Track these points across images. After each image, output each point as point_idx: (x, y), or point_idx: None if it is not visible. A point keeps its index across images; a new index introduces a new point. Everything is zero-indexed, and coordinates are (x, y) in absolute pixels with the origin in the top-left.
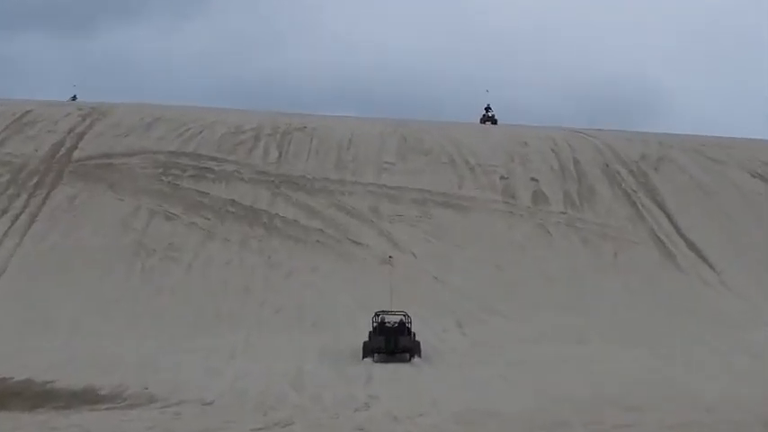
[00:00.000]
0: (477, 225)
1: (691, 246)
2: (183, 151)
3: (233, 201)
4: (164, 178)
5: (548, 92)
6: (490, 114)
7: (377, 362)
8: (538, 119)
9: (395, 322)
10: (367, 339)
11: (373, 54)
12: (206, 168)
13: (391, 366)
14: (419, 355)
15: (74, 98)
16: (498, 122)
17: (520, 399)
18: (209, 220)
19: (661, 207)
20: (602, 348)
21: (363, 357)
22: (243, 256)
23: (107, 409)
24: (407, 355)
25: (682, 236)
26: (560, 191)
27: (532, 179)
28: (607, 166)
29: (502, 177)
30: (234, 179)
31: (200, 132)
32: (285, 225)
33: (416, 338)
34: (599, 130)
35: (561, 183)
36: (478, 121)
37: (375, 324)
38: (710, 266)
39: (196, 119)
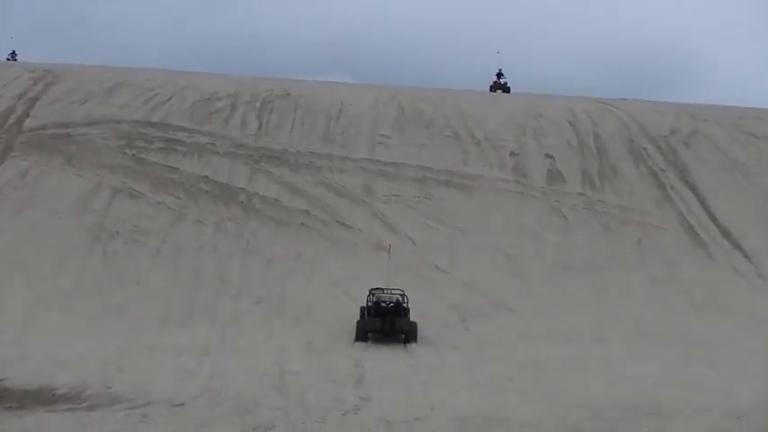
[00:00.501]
0: (483, 207)
1: (725, 233)
2: (149, 121)
3: (206, 177)
4: (128, 151)
5: (569, 57)
6: (502, 81)
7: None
8: (556, 87)
9: (391, 302)
10: (360, 319)
11: (368, 12)
12: (176, 140)
13: (386, 365)
14: (415, 340)
15: (13, 55)
16: (511, 91)
17: (530, 403)
18: (179, 199)
19: (692, 188)
20: (622, 348)
21: (356, 340)
22: (218, 240)
23: (65, 410)
24: (403, 337)
25: (714, 221)
26: (578, 169)
27: (547, 156)
28: (632, 141)
29: (512, 153)
30: (207, 153)
31: (169, 99)
32: (266, 205)
33: (413, 321)
34: (623, 99)
35: (579, 160)
36: (488, 88)
37: (370, 303)
38: (746, 256)
39: (164, 84)
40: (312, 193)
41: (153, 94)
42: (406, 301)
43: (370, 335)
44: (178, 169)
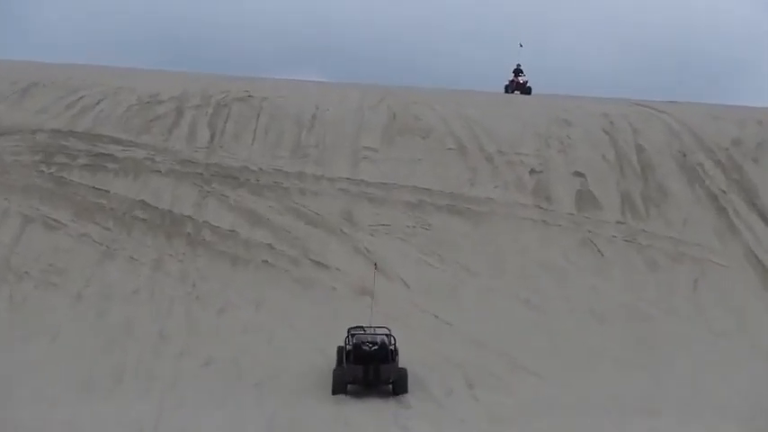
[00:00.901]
0: (496, 240)
1: None
2: (72, 130)
3: (143, 202)
4: (44, 169)
5: (604, 49)
6: (521, 80)
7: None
8: (588, 87)
9: (375, 344)
10: (336, 367)
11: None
12: (105, 155)
13: None
14: (405, 390)
15: None
16: (532, 92)
17: None
18: (108, 230)
19: (761, 215)
20: (677, 422)
21: (334, 392)
22: (156, 283)
23: None
24: (391, 388)
25: None
26: (616, 191)
27: (577, 174)
28: (684, 155)
29: (533, 171)
30: (145, 171)
31: (98, 103)
32: (218, 238)
33: (402, 367)
34: (673, 103)
35: (618, 179)
36: (502, 89)
37: (349, 346)
38: None
39: (92, 84)
40: (278, 222)
41: (77, 96)
42: (392, 342)
43: (350, 386)
44: (108, 192)
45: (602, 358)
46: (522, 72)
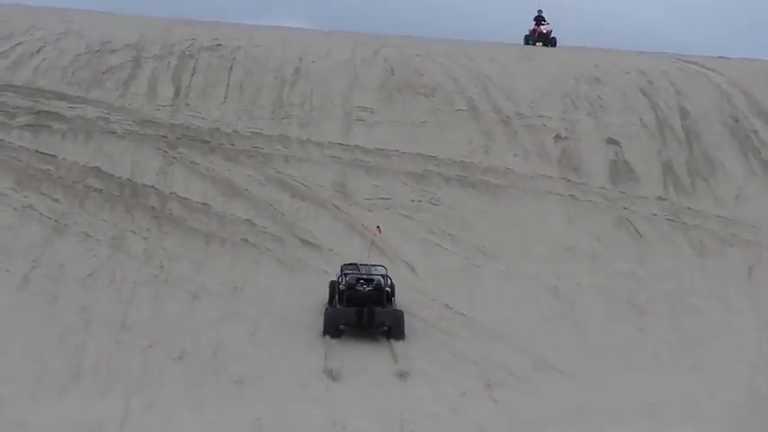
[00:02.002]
0: (516, 218)
1: None
2: (9, 83)
3: (97, 170)
4: None
5: None
6: (544, 29)
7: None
8: (624, 39)
9: (368, 285)
10: (328, 306)
11: None
12: (50, 113)
13: None
14: (402, 335)
15: None
16: (557, 43)
17: None
18: (57, 202)
19: None
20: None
21: (325, 333)
22: (117, 264)
23: None
24: (385, 328)
25: None
26: (657, 162)
27: (610, 141)
28: (736, 120)
29: (558, 137)
30: (98, 132)
31: (39, 51)
32: (188, 212)
33: (398, 309)
34: (723, 59)
35: (659, 148)
36: (522, 40)
37: (343, 285)
38: None
39: (31, 28)
40: (258, 193)
41: (13, 43)
42: (389, 283)
43: (342, 327)
44: (54, 157)
45: (641, 356)
46: (544, 20)
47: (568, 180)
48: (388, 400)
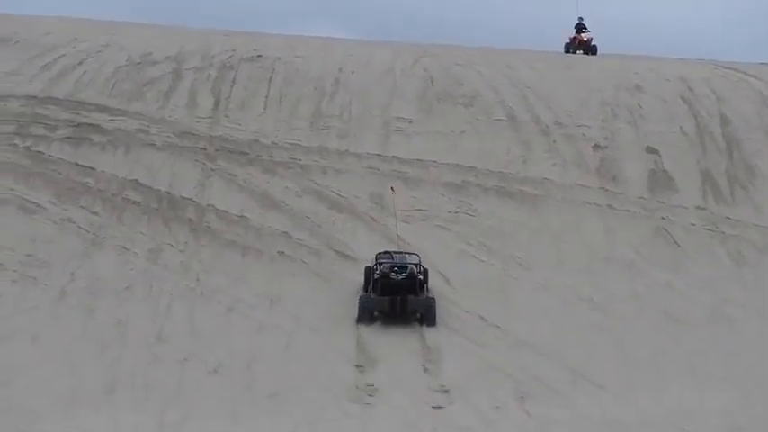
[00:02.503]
0: (553, 228)
1: None
2: (50, 96)
3: (136, 182)
4: (18, 142)
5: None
6: (585, 37)
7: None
8: (664, 46)
9: (401, 274)
10: (363, 293)
11: None
12: (90, 126)
13: None
14: (433, 322)
15: None
16: (597, 51)
17: None
18: (95, 215)
19: None
20: None
21: (359, 321)
22: (153, 277)
23: None
24: (418, 316)
25: None
26: (697, 171)
27: (650, 150)
28: None
29: (597, 146)
30: (138, 145)
31: (81, 64)
32: (225, 225)
33: (431, 297)
34: (764, 65)
35: (699, 157)
36: (562, 48)
37: (377, 274)
38: None
39: (73, 41)
40: (295, 205)
41: (56, 55)
42: (421, 270)
43: (376, 314)
44: (94, 169)
45: (679, 368)
46: (585, 28)
47: (606, 190)
48: (422, 415)
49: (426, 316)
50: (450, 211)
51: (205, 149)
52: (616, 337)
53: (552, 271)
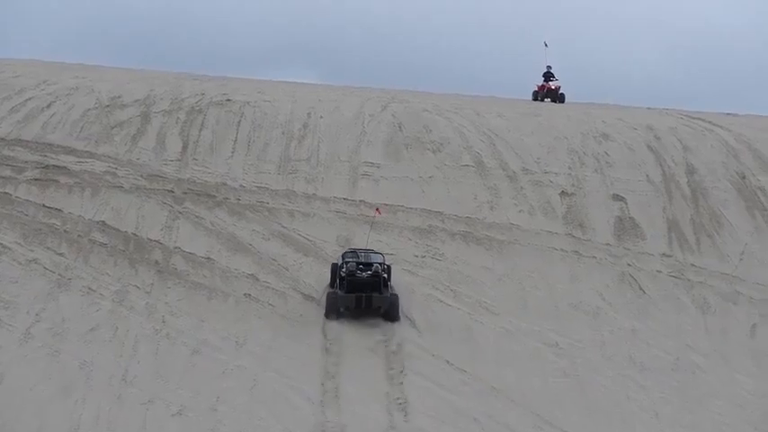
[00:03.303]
0: (520, 274)
1: None
2: (18, 138)
3: (103, 224)
4: None
5: (650, 51)
6: (553, 85)
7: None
8: (631, 95)
9: (366, 273)
10: (330, 290)
11: None
12: (58, 168)
13: None
14: (396, 317)
15: None
16: (565, 99)
17: None
18: (61, 256)
19: None
20: None
21: (326, 316)
22: (119, 319)
23: None
24: (382, 311)
25: None
26: (663, 218)
27: (616, 197)
28: (743, 177)
29: (564, 193)
30: (105, 187)
31: (49, 106)
32: (192, 266)
33: (394, 294)
34: (730, 115)
35: (665, 204)
36: (530, 96)
37: (344, 272)
38: None
39: (42, 83)
40: (262, 248)
41: (24, 98)
42: (384, 269)
43: (343, 310)
44: (61, 211)
45: (644, 414)
46: (553, 76)
47: (573, 236)
48: None
49: (389, 312)
50: (416, 255)
51: (173, 192)
52: (581, 383)
53: (518, 316)
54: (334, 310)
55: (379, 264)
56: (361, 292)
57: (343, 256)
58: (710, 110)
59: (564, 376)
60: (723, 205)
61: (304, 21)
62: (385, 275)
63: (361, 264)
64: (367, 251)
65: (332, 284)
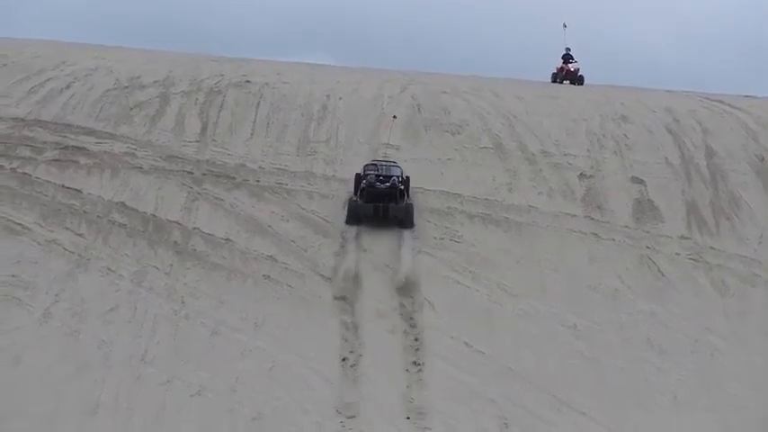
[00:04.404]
0: (538, 256)
1: None
2: (37, 119)
3: (122, 205)
4: (4, 164)
5: (667, 34)
6: (572, 67)
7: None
8: (650, 77)
9: (386, 184)
10: (353, 197)
11: None
12: (77, 148)
13: None
14: (411, 224)
15: None
16: (584, 81)
17: None
18: (80, 236)
19: None
20: None
21: (347, 222)
22: (138, 299)
23: None
24: (397, 220)
25: None
26: (682, 201)
27: (635, 180)
28: (762, 160)
29: (583, 175)
30: (125, 168)
31: (68, 87)
32: (211, 247)
33: (409, 203)
34: (750, 98)
35: (684, 187)
36: (549, 78)
37: (364, 183)
38: None
39: (61, 64)
40: (282, 230)
41: (44, 78)
42: (401, 180)
43: (362, 217)
44: (80, 192)
45: (661, 397)
46: (572, 58)
47: (592, 219)
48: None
49: (405, 220)
50: (435, 237)
51: (192, 173)
52: (599, 365)
53: (537, 298)
54: (355, 217)
55: (397, 177)
56: (379, 203)
57: (365, 168)
58: (729, 92)
59: (582, 358)
60: (742, 188)
61: (321, 3)
62: (402, 187)
63: (380, 176)
64: (387, 164)
65: (355, 193)
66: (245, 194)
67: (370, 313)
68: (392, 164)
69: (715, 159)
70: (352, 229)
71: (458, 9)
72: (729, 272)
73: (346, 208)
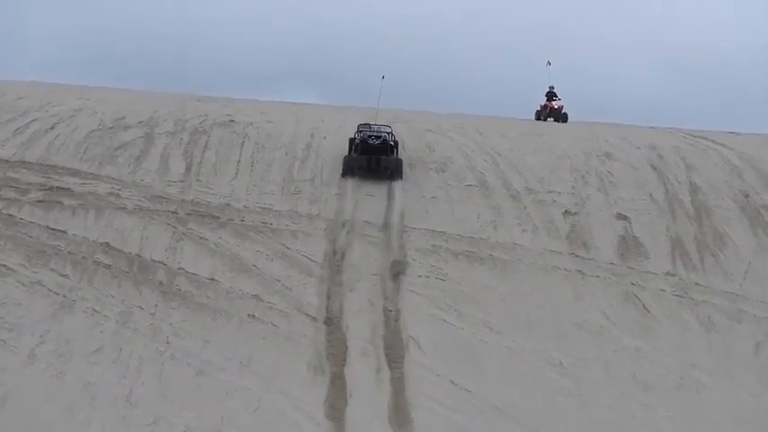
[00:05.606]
0: (523, 293)
1: None
2: (22, 160)
3: (107, 245)
4: None
5: (653, 72)
6: (555, 105)
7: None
8: (634, 114)
9: (378, 138)
10: (347, 155)
11: (347, 5)
12: (62, 189)
13: None
14: (400, 176)
15: None
16: (568, 118)
17: None
18: (65, 277)
19: None
20: None
21: (343, 175)
22: (123, 339)
23: None
24: (388, 172)
25: None
26: (666, 237)
27: (619, 216)
28: (746, 196)
29: (567, 212)
30: (109, 209)
31: (53, 128)
32: (195, 287)
33: (399, 158)
34: (733, 134)
35: (668, 223)
36: (532, 115)
37: (357, 139)
38: None
39: (46, 105)
40: (266, 269)
41: (28, 119)
42: (392, 138)
43: (356, 169)
44: (65, 233)
45: None
46: (556, 96)
47: (576, 256)
48: None
49: (395, 172)
50: (420, 276)
51: (176, 213)
52: (585, 402)
53: (522, 336)
54: (350, 169)
55: (388, 134)
56: (372, 155)
57: (358, 128)
58: (713, 129)
59: (568, 395)
60: (727, 224)
61: (305, 42)
62: (392, 143)
63: (372, 134)
64: (378, 125)
65: (349, 152)
66: (230, 234)
67: (355, 352)
68: (383, 125)
69: (699, 195)
70: (337, 267)
71: (442, 47)
72: (715, 308)
73: (342, 163)
